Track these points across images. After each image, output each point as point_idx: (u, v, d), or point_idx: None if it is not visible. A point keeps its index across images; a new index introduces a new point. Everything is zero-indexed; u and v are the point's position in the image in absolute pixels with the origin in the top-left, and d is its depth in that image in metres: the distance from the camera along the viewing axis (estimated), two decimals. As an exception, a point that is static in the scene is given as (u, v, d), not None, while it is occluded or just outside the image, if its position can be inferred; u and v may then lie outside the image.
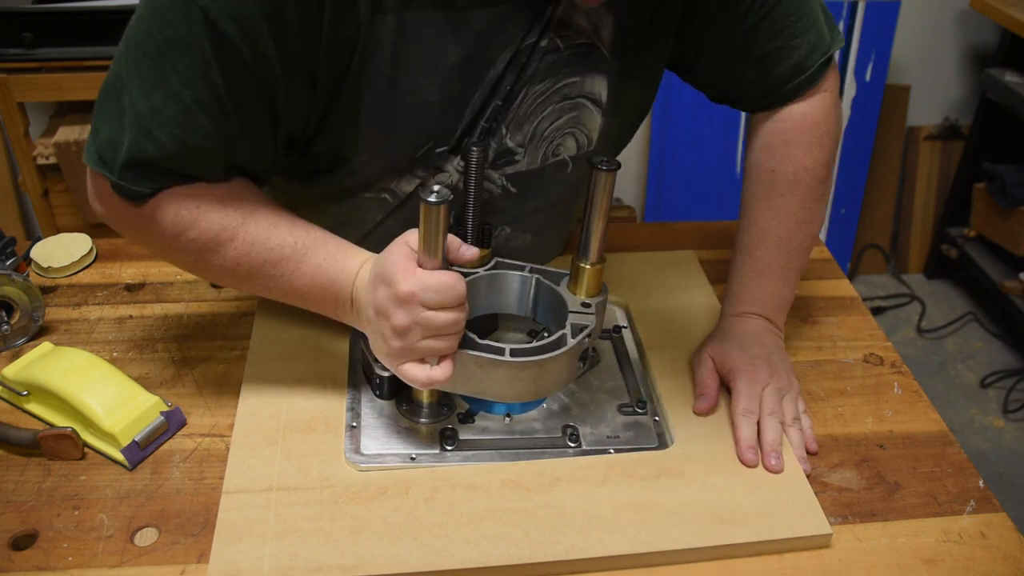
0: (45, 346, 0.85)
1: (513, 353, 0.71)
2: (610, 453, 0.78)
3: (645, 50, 0.83)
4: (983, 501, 0.76)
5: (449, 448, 0.77)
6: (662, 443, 0.80)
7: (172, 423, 0.79)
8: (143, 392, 0.79)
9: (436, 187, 0.65)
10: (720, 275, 1.03)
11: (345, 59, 0.71)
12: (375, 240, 0.86)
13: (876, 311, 2.47)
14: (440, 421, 0.80)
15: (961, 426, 2.10)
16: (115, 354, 0.89)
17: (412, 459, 0.76)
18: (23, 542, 0.69)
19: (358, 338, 0.87)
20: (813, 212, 0.89)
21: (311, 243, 0.75)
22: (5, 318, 0.89)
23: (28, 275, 0.94)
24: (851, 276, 2.59)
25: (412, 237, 0.68)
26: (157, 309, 0.96)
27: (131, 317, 0.95)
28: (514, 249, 0.91)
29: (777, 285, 0.88)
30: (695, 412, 0.82)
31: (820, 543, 0.71)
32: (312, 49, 0.69)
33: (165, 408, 0.79)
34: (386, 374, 0.79)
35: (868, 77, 2.24)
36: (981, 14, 2.22)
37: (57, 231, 1.14)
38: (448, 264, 0.69)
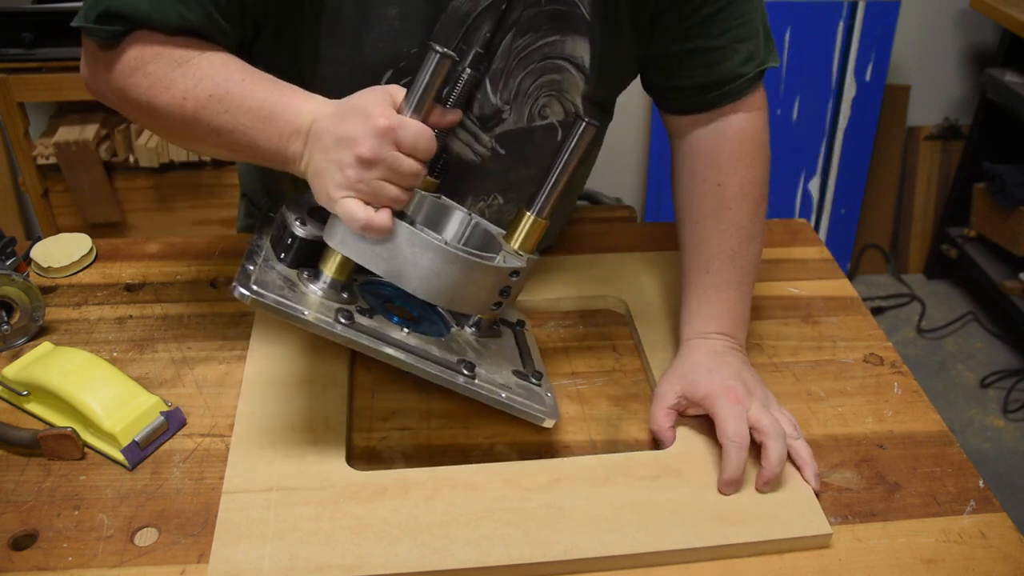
0: (45, 346, 0.85)
1: (448, 245, 0.70)
2: (500, 399, 0.75)
3: (624, 18, 0.83)
4: (983, 501, 0.76)
5: (343, 322, 0.71)
6: (551, 411, 0.78)
7: (172, 423, 0.79)
8: (143, 392, 0.80)
9: (445, 48, 0.65)
10: (720, 275, 1.03)
11: None
12: None
13: (876, 311, 2.47)
14: (338, 302, 0.74)
15: (961, 426, 2.10)
16: (115, 354, 0.89)
17: (304, 315, 0.69)
18: (23, 542, 0.69)
19: (283, 210, 0.81)
20: (759, 227, 0.88)
21: (260, 80, 0.74)
22: (5, 318, 0.89)
23: (28, 275, 0.94)
24: (851, 276, 2.59)
25: (394, 88, 0.69)
26: (157, 309, 0.96)
27: (131, 317, 0.95)
28: (507, 224, 0.91)
29: (735, 301, 0.86)
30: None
31: (820, 543, 0.71)
32: None
33: (165, 408, 0.79)
34: (300, 234, 0.75)
35: (868, 77, 2.24)
36: (981, 14, 2.22)
37: (57, 231, 1.14)
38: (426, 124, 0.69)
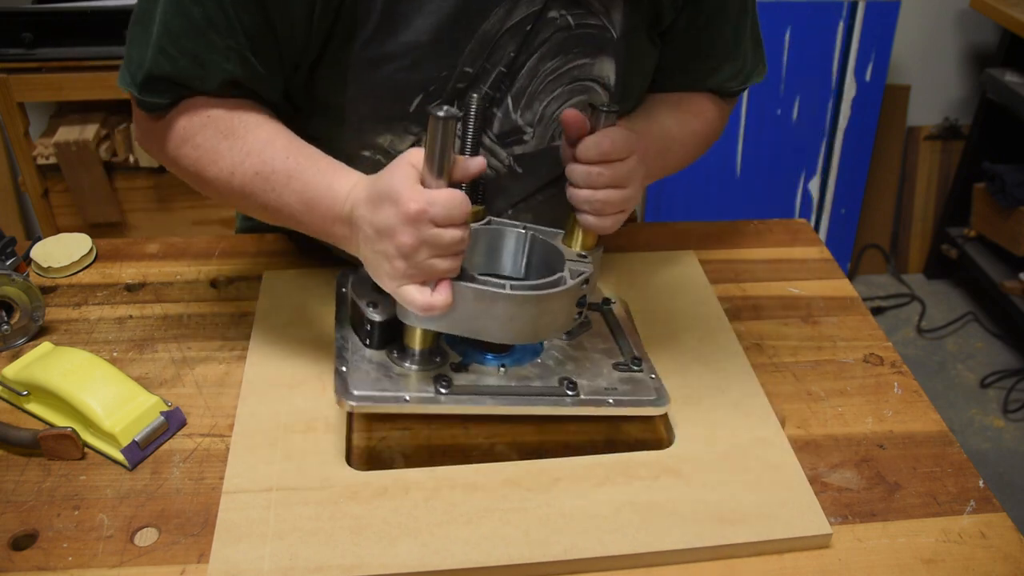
0: (45, 346, 0.85)
1: (514, 288, 0.70)
2: (610, 404, 0.77)
3: (643, 34, 0.84)
4: (983, 501, 0.76)
5: (444, 391, 0.75)
6: (660, 397, 0.79)
7: (172, 423, 0.79)
8: (143, 392, 0.80)
9: (446, 106, 0.65)
10: (720, 275, 1.03)
11: None
12: None
13: (876, 311, 2.47)
14: (432, 369, 0.77)
15: (961, 426, 2.10)
16: (115, 354, 0.89)
17: (406, 400, 0.73)
18: (23, 542, 0.69)
19: (343, 300, 0.84)
20: (693, 150, 0.93)
21: (303, 159, 0.75)
22: (5, 318, 0.89)
23: (28, 275, 0.94)
24: (851, 276, 2.59)
25: (415, 156, 0.68)
26: (157, 309, 0.96)
27: (131, 317, 0.95)
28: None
29: (660, 155, 0.88)
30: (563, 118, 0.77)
31: (820, 543, 0.71)
32: None
33: (165, 408, 0.79)
34: (378, 319, 0.77)
35: (868, 77, 2.24)
36: (981, 14, 2.22)
37: (57, 231, 1.14)
38: (453, 183, 0.69)
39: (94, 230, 1.97)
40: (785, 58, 2.20)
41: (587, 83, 0.82)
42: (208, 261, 1.03)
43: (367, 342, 0.79)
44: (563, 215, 0.81)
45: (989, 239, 2.35)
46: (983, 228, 2.37)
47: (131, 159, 1.93)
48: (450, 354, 0.80)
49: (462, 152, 0.76)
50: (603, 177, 0.74)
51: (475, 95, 0.76)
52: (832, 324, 0.97)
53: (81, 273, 1.02)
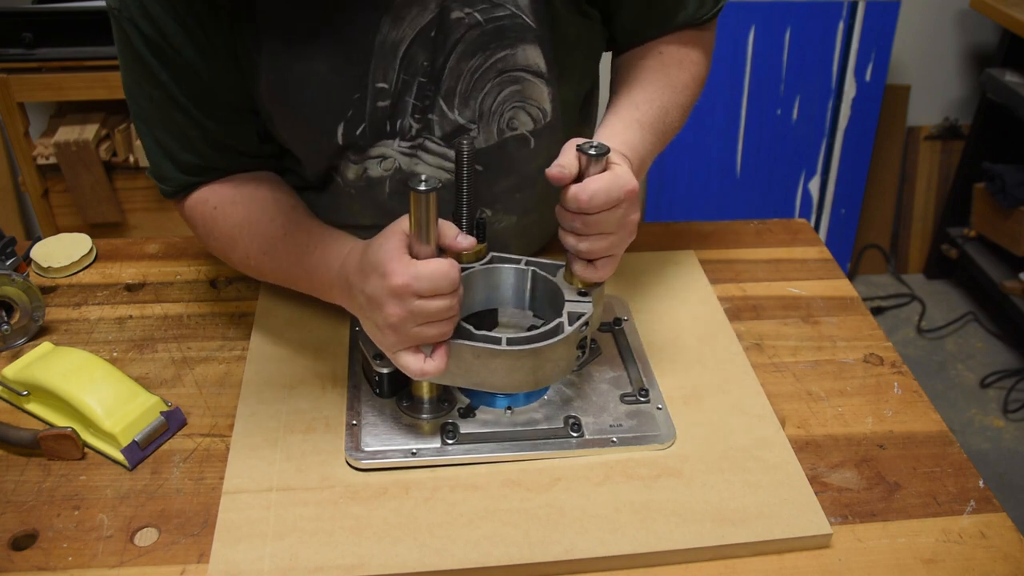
0: (45, 346, 0.85)
1: (510, 342, 0.71)
2: (614, 443, 0.78)
3: (569, 8, 0.83)
4: (983, 501, 0.76)
5: (450, 442, 0.77)
6: (665, 432, 0.80)
7: (172, 423, 0.79)
8: (143, 392, 0.80)
9: (424, 176, 0.66)
10: (720, 275, 1.03)
11: (249, 34, 0.77)
12: (354, 227, 0.88)
13: (876, 311, 2.47)
14: (441, 416, 0.80)
15: (961, 426, 2.10)
16: (115, 354, 0.89)
17: (413, 454, 0.76)
18: (23, 542, 0.69)
19: (358, 338, 0.87)
20: (689, 101, 0.90)
21: (300, 234, 0.81)
22: (5, 318, 0.89)
23: (28, 275, 0.94)
24: (851, 276, 2.59)
25: (406, 223, 0.69)
26: (157, 309, 0.96)
27: (131, 317, 0.95)
28: (501, 232, 0.92)
29: (651, 144, 0.86)
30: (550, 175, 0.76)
31: (820, 543, 0.71)
32: (219, 29, 0.76)
33: (165, 408, 0.79)
34: (385, 371, 0.79)
35: (868, 77, 2.24)
36: (981, 14, 2.22)
37: (57, 231, 1.14)
38: (441, 251, 0.70)
39: (94, 230, 1.97)
40: (785, 58, 2.20)
41: (516, 74, 0.82)
42: (208, 261, 1.03)
43: (377, 391, 0.82)
44: (551, 213, 0.80)
45: (989, 239, 2.35)
46: (983, 228, 2.37)
47: (131, 159, 1.92)
48: (457, 398, 0.82)
49: (458, 198, 0.77)
50: (587, 226, 0.73)
51: (465, 142, 0.76)
52: (832, 324, 0.97)
53: (81, 273, 1.02)
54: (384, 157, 0.84)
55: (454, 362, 0.72)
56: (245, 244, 0.84)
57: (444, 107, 0.82)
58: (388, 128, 0.82)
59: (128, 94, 0.82)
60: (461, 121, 0.83)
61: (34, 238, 1.04)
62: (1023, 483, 1.95)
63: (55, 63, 1.78)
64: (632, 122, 0.84)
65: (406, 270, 0.66)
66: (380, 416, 0.80)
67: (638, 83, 0.88)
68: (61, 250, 1.02)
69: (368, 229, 0.83)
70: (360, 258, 0.72)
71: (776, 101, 2.25)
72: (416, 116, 0.82)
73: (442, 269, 0.67)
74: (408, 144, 0.84)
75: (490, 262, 0.80)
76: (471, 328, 0.72)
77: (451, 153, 0.84)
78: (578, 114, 0.94)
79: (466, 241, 0.71)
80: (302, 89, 0.79)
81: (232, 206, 0.85)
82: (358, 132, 0.82)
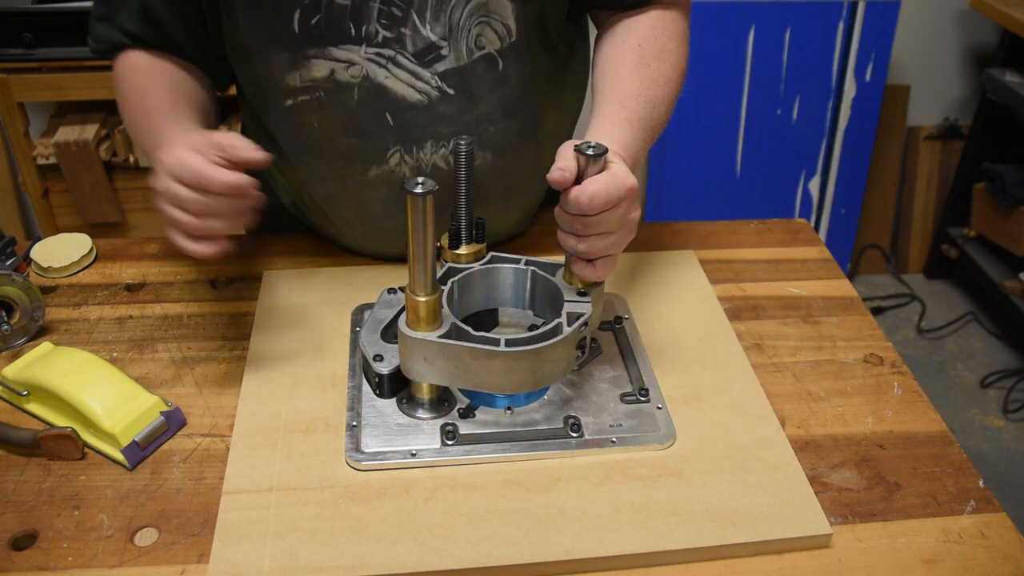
0: (45, 346, 0.85)
1: (508, 343, 0.71)
2: (613, 443, 0.78)
3: None
4: (983, 501, 0.76)
5: (450, 443, 0.77)
6: (665, 431, 0.79)
7: (172, 423, 0.79)
8: (143, 392, 0.80)
9: (420, 179, 0.66)
10: (720, 275, 1.03)
11: None
12: (327, 153, 0.91)
13: (876, 311, 2.47)
14: (441, 417, 0.80)
15: (961, 426, 2.11)
16: (115, 354, 0.89)
17: (413, 455, 0.76)
18: (23, 542, 0.69)
19: (358, 338, 0.87)
20: (673, 93, 0.90)
21: (167, 108, 0.87)
22: (5, 318, 0.89)
23: (28, 275, 0.94)
24: (851, 276, 2.59)
25: (218, 135, 0.72)
26: (157, 309, 0.96)
27: (131, 317, 0.95)
28: (477, 169, 0.91)
29: (642, 141, 0.86)
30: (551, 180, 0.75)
31: (820, 543, 0.71)
32: None
33: (165, 408, 0.79)
34: (385, 372, 0.79)
35: (868, 77, 2.24)
36: (981, 14, 2.22)
37: (57, 231, 1.14)
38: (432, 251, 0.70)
39: (94, 230, 1.97)
40: (785, 58, 2.20)
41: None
42: (208, 261, 1.03)
43: (377, 392, 0.82)
44: (529, 155, 0.79)
45: (989, 239, 2.35)
46: (983, 228, 2.37)
47: (131, 159, 1.93)
48: (457, 398, 0.81)
49: (457, 198, 0.77)
50: (587, 227, 0.74)
51: (464, 142, 0.76)
52: (832, 324, 0.97)
53: (81, 273, 1.02)
54: (351, 63, 0.84)
55: (453, 363, 0.72)
56: (134, 113, 0.90)
57: (416, 21, 0.82)
58: (353, 31, 0.83)
59: None
60: (433, 38, 0.84)
61: (34, 238, 1.04)
62: (1023, 483, 1.95)
63: (55, 63, 1.78)
64: (621, 120, 0.84)
65: (172, 152, 0.72)
66: (380, 417, 0.80)
67: (621, 80, 0.88)
68: (61, 250, 1.02)
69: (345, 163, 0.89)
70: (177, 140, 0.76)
71: (776, 101, 2.25)
72: (383, 22, 0.83)
73: (187, 160, 0.71)
74: (375, 51, 0.84)
75: (489, 262, 0.80)
76: (470, 329, 0.72)
77: (427, 75, 0.84)
78: (552, 59, 0.94)
79: (250, 153, 0.72)
80: None
81: (138, 72, 0.91)
82: (313, 22, 0.83)
